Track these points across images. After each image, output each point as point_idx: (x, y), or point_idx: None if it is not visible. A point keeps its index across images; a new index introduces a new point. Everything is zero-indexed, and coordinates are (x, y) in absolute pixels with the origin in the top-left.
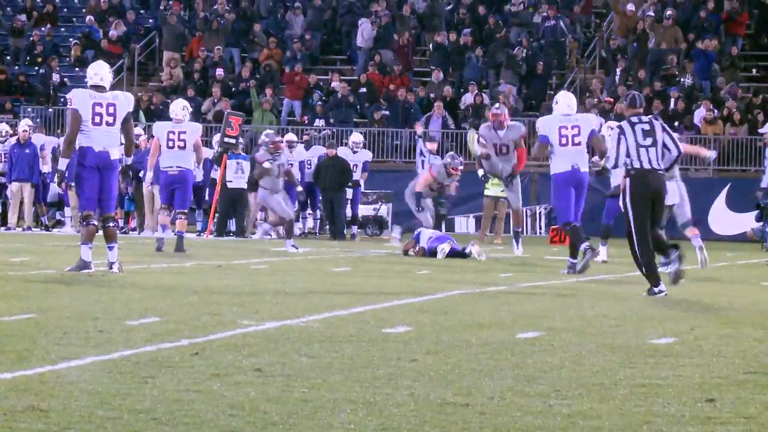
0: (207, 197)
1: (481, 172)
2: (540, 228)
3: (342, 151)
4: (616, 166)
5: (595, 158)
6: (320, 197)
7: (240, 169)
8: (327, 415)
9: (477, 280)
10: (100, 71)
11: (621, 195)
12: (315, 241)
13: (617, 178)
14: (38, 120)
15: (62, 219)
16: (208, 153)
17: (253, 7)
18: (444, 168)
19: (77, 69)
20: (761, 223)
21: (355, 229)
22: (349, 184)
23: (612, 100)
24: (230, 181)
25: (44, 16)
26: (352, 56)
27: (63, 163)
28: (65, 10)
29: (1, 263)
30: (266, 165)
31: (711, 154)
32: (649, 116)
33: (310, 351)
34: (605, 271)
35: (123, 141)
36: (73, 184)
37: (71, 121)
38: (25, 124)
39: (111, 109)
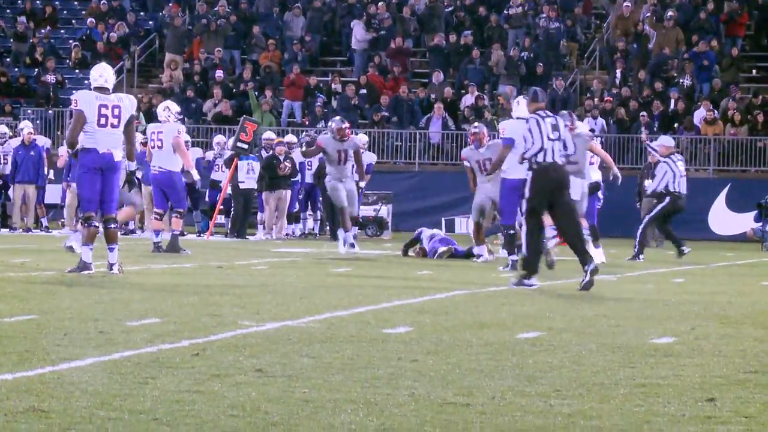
0: (207, 198)
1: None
2: None
3: None
4: (525, 158)
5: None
6: (321, 198)
7: (251, 169)
8: (328, 416)
9: (477, 280)
10: (104, 73)
11: (525, 186)
12: (315, 241)
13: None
14: (38, 122)
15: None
16: (198, 153)
17: (252, 9)
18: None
19: (77, 71)
20: (761, 223)
21: (355, 230)
22: None
23: (611, 100)
24: (242, 182)
25: (44, 18)
26: (351, 58)
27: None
28: (65, 12)
29: (2, 264)
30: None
31: (617, 174)
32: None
33: (311, 351)
34: (605, 272)
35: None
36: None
37: (74, 122)
38: (26, 125)
39: (116, 111)
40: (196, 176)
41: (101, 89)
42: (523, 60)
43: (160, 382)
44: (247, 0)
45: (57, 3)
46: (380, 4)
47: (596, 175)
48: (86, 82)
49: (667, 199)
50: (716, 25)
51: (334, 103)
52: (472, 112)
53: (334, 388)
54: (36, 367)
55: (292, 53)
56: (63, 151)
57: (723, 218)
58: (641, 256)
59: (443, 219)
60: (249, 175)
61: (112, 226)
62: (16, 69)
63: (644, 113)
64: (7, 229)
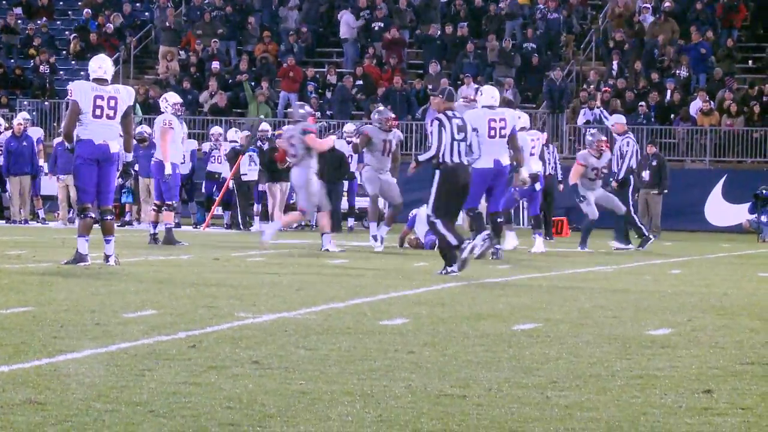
0: (204, 190)
1: None
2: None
3: (339, 144)
4: (436, 157)
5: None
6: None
7: (252, 161)
8: (325, 407)
9: (474, 272)
10: (103, 64)
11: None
12: (311, 233)
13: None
14: (34, 113)
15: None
16: (193, 145)
17: (248, 0)
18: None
19: (74, 62)
20: (756, 214)
21: (351, 221)
22: (346, 176)
23: (609, 89)
24: (245, 174)
25: (40, 9)
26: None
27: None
28: (61, 3)
29: None
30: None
31: (527, 179)
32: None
33: (308, 343)
34: (601, 263)
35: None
36: (60, 175)
37: (69, 113)
38: (21, 117)
39: (112, 103)
40: (168, 170)
41: (99, 80)
42: (520, 51)
43: (157, 374)
44: None
45: None
46: None
47: (536, 166)
48: (83, 73)
49: (631, 179)
50: (712, 15)
51: (329, 95)
52: None
53: (331, 379)
54: (32, 359)
55: (288, 44)
56: (56, 142)
57: (719, 209)
58: (652, 237)
59: None
60: (251, 167)
61: (109, 217)
62: (11, 60)
63: (642, 103)
64: (4, 221)
